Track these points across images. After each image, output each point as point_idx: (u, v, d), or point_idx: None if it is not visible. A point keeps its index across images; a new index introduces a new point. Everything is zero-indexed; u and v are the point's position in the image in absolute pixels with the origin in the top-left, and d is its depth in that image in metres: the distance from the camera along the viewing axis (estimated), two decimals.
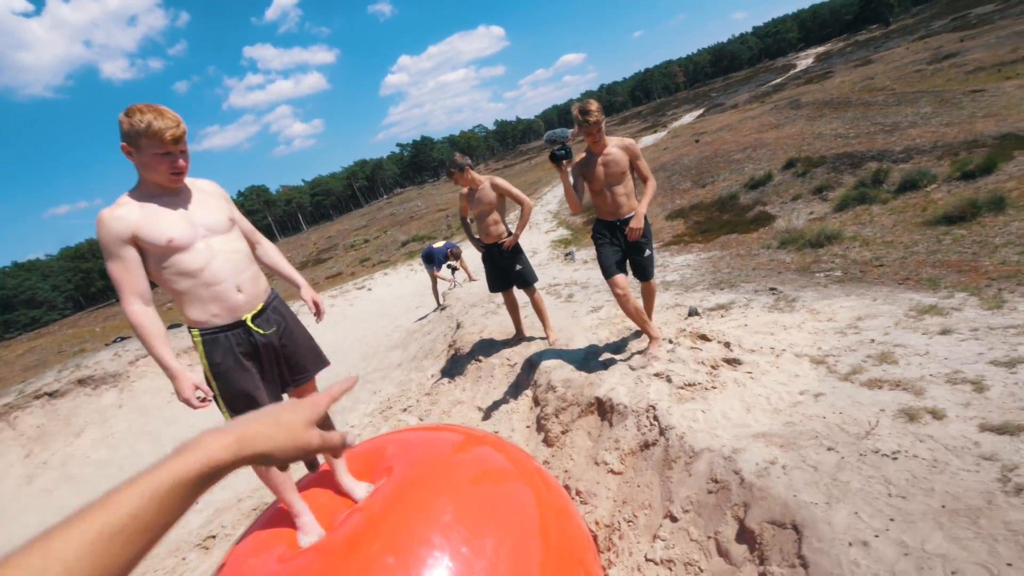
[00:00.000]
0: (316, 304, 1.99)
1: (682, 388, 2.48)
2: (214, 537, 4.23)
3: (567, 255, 9.10)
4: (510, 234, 3.75)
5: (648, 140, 24.46)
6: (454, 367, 4.51)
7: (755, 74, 58.94)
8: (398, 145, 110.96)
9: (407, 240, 20.36)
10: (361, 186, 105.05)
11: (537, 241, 11.65)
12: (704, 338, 2.94)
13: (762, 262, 5.90)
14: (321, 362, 2.00)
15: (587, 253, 8.85)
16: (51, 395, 10.06)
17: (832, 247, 5.57)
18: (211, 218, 1.70)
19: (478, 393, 3.82)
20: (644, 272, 3.10)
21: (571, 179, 2.96)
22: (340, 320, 12.00)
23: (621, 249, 3.03)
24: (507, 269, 3.78)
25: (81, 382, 9.83)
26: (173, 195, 1.67)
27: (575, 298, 5.25)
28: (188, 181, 1.75)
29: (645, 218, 2.94)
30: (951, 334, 2.44)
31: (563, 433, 2.83)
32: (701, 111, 32.65)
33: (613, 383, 2.77)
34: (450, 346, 4.96)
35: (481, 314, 5.29)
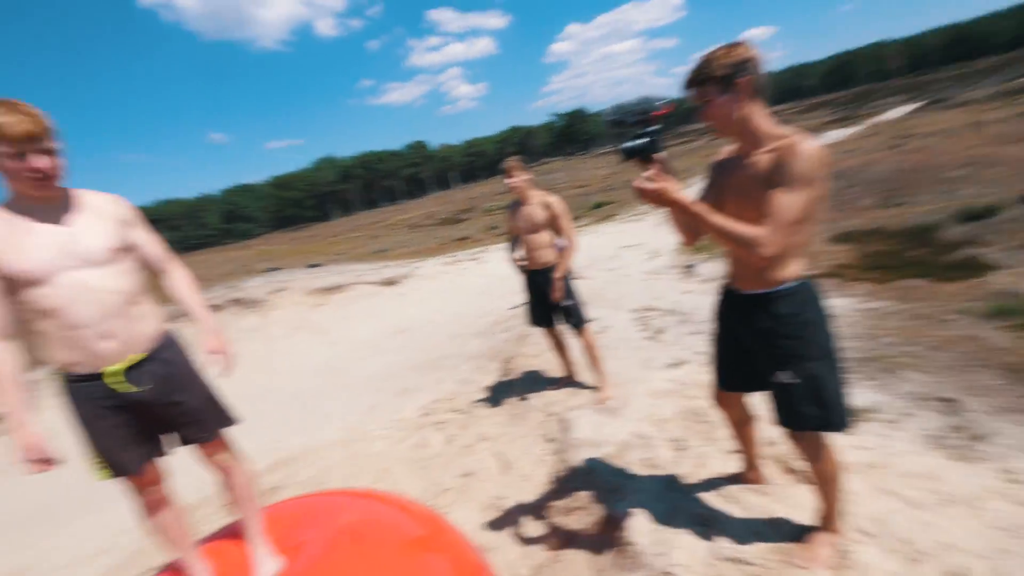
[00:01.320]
0: (221, 353, 1.59)
1: (726, 561, 1.65)
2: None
3: (688, 267, 7.85)
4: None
5: (832, 136, 20.53)
6: (500, 390, 4.00)
7: (1008, 63, 43.91)
8: (553, 114, 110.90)
9: None
10: (512, 151, 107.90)
11: (664, 242, 10.36)
12: (792, 472, 1.99)
13: (953, 337, 3.96)
14: (223, 420, 1.61)
15: (714, 267, 7.50)
16: (214, 308, 11.91)
17: None
18: (87, 244, 1.36)
19: (505, 435, 3.27)
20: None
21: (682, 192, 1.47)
22: (447, 288, 12.17)
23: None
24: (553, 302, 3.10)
25: (236, 301, 11.38)
26: (47, 211, 1.35)
27: (664, 336, 4.32)
28: (80, 194, 1.43)
29: None
30: None
31: (563, 545, 2.16)
32: (917, 106, 26.15)
33: (640, 501, 2.01)
34: (506, 362, 4.44)
35: None
